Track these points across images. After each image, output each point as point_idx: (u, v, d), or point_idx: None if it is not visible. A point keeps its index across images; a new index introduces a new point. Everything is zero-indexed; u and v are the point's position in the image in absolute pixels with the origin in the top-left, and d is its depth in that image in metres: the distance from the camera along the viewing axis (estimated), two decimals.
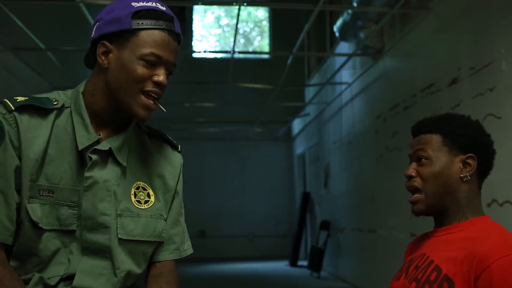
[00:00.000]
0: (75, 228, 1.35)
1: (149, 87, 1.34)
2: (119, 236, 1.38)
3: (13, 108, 1.33)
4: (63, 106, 1.38)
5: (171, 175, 1.49)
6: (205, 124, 12.30)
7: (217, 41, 14.03)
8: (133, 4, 1.34)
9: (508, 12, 3.80)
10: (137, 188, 1.43)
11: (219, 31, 14.07)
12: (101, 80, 1.37)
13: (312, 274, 9.23)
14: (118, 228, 1.38)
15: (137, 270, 1.42)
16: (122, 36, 1.33)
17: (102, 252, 1.36)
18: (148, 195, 1.44)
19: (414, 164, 1.48)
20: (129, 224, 1.39)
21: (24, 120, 1.33)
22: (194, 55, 13.17)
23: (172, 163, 1.51)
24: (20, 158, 1.31)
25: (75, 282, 1.33)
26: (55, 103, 1.37)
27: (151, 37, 1.33)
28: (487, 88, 4.03)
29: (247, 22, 13.95)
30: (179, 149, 1.54)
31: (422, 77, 5.32)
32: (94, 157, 1.36)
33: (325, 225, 9.23)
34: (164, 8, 1.36)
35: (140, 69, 1.33)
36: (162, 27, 1.34)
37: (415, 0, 5.49)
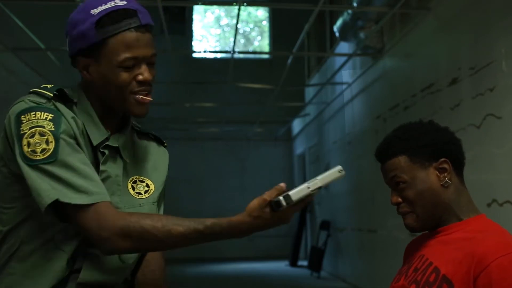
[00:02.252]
0: None
1: (136, 87, 1.34)
2: None
3: (51, 95, 1.33)
4: (75, 101, 1.39)
5: (163, 168, 1.53)
6: (205, 124, 12.30)
7: (217, 41, 14.03)
8: (92, 12, 1.31)
9: (508, 12, 3.80)
10: (134, 182, 1.45)
11: (219, 31, 14.08)
12: (92, 90, 1.38)
13: (312, 274, 9.23)
14: None
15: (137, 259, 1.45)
16: (93, 49, 1.32)
17: None
18: (147, 185, 1.47)
19: (394, 192, 1.47)
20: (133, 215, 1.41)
21: (61, 107, 1.33)
22: (194, 55, 13.18)
23: (161, 158, 1.54)
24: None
25: (82, 276, 1.33)
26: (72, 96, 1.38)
27: (120, 42, 1.31)
28: (487, 88, 4.03)
29: (247, 22, 13.95)
30: (165, 144, 1.58)
31: (422, 77, 5.32)
32: (106, 152, 1.38)
33: (325, 225, 9.23)
34: (124, 3, 1.33)
35: (121, 76, 1.32)
36: (127, 28, 1.31)
37: (415, 0, 5.49)
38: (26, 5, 6.05)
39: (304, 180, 11.93)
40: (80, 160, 1.28)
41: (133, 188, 1.44)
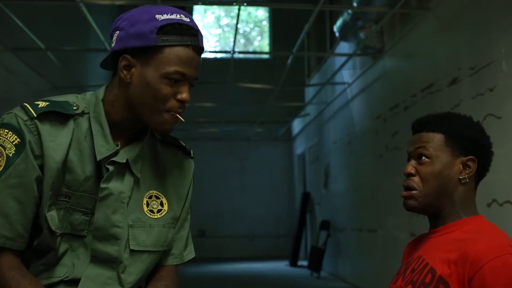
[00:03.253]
0: (85, 234, 1.34)
1: (174, 105, 1.32)
2: (131, 247, 1.36)
3: (35, 115, 1.29)
4: (83, 112, 1.35)
5: (184, 183, 1.48)
6: (205, 124, 12.30)
7: (217, 41, 14.04)
8: (157, 16, 1.29)
9: (508, 12, 3.80)
10: (150, 197, 1.41)
11: (219, 31, 14.08)
12: (122, 93, 1.34)
13: (312, 274, 9.23)
14: (130, 239, 1.36)
15: (144, 277, 1.42)
16: (146, 51, 1.29)
17: (110, 262, 1.35)
18: (161, 204, 1.42)
19: (413, 162, 1.46)
20: (141, 235, 1.38)
21: (46, 128, 1.30)
22: None
23: (185, 171, 1.49)
24: (41, 166, 1.29)
25: (80, 287, 1.32)
26: (75, 108, 1.34)
27: (176, 54, 1.29)
28: (487, 88, 4.03)
29: (247, 22, 13.95)
30: (192, 155, 1.52)
31: (422, 77, 5.32)
32: (110, 168, 1.34)
33: (325, 225, 9.23)
34: (188, 20, 1.31)
35: (165, 88, 1.30)
36: (187, 43, 1.30)
37: (415, 0, 5.49)
38: (26, 5, 6.05)
39: (304, 180, 11.95)
40: (15, 197, 1.29)
41: (147, 204, 1.40)
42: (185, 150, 1.50)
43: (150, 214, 1.40)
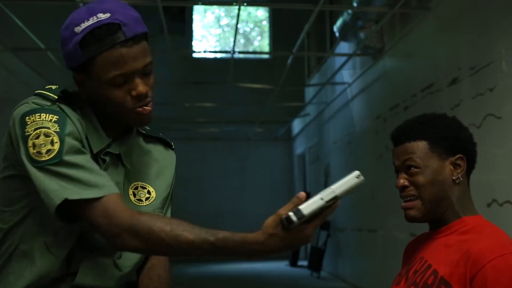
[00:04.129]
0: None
1: (134, 103, 1.31)
2: None
3: (56, 97, 1.30)
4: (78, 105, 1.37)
5: (168, 173, 1.51)
6: (205, 124, 12.30)
7: (217, 41, 14.04)
8: (76, 30, 1.26)
9: (508, 12, 3.80)
10: (136, 188, 1.43)
11: (219, 31, 14.08)
12: (92, 102, 1.36)
13: (312, 274, 9.23)
14: None
15: (140, 262, 1.44)
16: (83, 67, 1.29)
17: (107, 250, 1.36)
18: (149, 192, 1.45)
19: (404, 174, 1.45)
20: None
21: (67, 109, 1.31)
22: (194, 55, 13.18)
23: (168, 161, 1.52)
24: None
25: (78, 279, 1.33)
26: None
27: (106, 60, 1.26)
28: (487, 88, 4.03)
29: (247, 22, 13.95)
30: (173, 147, 1.56)
31: (422, 77, 5.32)
32: (107, 158, 1.36)
33: (325, 225, 9.23)
34: (107, 16, 1.26)
35: (116, 94, 1.29)
36: (110, 45, 1.25)
37: (415, 0, 5.49)
38: (26, 5, 6.05)
39: (304, 180, 11.95)
40: (85, 159, 1.27)
41: (134, 195, 1.42)
42: (166, 142, 1.54)
43: (139, 203, 1.42)
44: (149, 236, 1.20)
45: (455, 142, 1.43)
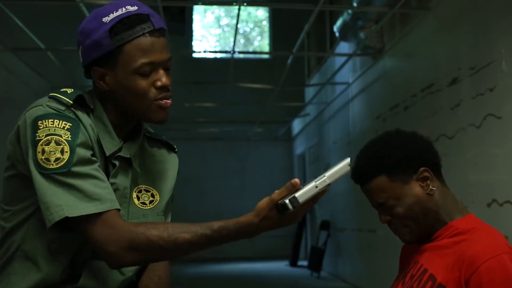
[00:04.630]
0: None
1: (157, 94, 1.32)
2: None
3: (71, 102, 1.29)
4: (92, 108, 1.36)
5: (171, 176, 1.51)
6: (205, 124, 12.30)
7: (217, 41, 14.03)
8: (104, 20, 1.29)
9: (508, 12, 3.80)
10: (139, 191, 1.43)
11: (219, 31, 14.08)
12: (108, 100, 1.35)
13: (312, 274, 9.23)
14: None
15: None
16: (109, 57, 1.29)
17: None
18: (153, 195, 1.45)
19: (382, 212, 1.45)
20: None
21: (80, 114, 1.30)
22: (194, 55, 13.18)
23: (171, 164, 1.53)
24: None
25: (81, 282, 1.33)
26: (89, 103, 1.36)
27: (136, 48, 1.29)
28: (487, 88, 4.03)
29: (247, 22, 13.95)
30: (176, 150, 1.56)
31: (422, 77, 5.32)
32: (117, 163, 1.36)
33: (325, 225, 9.23)
34: (135, 8, 1.30)
35: (140, 83, 1.30)
36: (141, 33, 1.29)
37: (415, 0, 5.48)
38: (26, 5, 6.05)
39: (304, 180, 11.94)
40: (93, 168, 1.27)
41: (138, 198, 1.42)
42: (170, 145, 1.54)
43: (143, 206, 1.42)
44: (148, 247, 1.22)
45: (409, 160, 1.41)
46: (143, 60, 1.29)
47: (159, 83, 1.31)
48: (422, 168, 1.41)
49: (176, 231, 1.22)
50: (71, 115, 1.28)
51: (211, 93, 11.53)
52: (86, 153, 1.27)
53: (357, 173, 1.47)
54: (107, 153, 1.34)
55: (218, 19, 14.07)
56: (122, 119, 1.37)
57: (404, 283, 1.45)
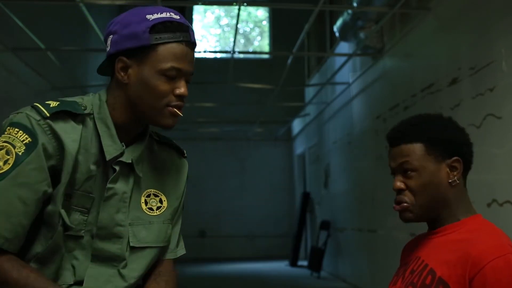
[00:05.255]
0: (83, 235, 1.35)
1: (173, 101, 1.34)
2: (131, 244, 1.38)
3: (48, 115, 1.30)
4: (89, 112, 1.36)
5: (180, 181, 1.52)
6: (205, 124, 12.30)
7: (217, 41, 14.04)
8: (148, 17, 1.32)
9: (508, 12, 3.80)
10: (148, 196, 1.43)
11: (219, 31, 14.08)
12: (122, 94, 1.36)
13: (312, 274, 9.23)
14: (130, 236, 1.38)
15: (145, 272, 1.43)
16: (141, 51, 1.32)
17: (112, 260, 1.36)
18: (161, 201, 1.45)
19: (400, 177, 1.44)
20: (141, 231, 1.40)
21: (60, 126, 1.30)
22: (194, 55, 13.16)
23: (180, 169, 1.53)
24: (53, 167, 1.30)
25: (85, 286, 1.33)
26: (84, 108, 1.36)
27: (170, 51, 1.32)
28: (487, 88, 4.03)
29: (247, 22, 13.95)
30: (185, 154, 1.56)
31: (422, 77, 5.32)
32: (117, 168, 1.37)
33: (325, 225, 9.23)
34: (178, 17, 1.35)
35: (162, 85, 1.32)
36: (180, 39, 1.33)
37: (415, 0, 5.49)
38: (26, 5, 6.05)
39: (304, 180, 11.95)
40: (20, 197, 1.27)
41: (146, 203, 1.42)
42: (179, 150, 1.54)
43: (150, 212, 1.43)
44: (2, 285, 1.25)
45: (452, 144, 1.43)
46: (173, 64, 1.32)
47: (178, 91, 1.34)
48: (456, 157, 1.42)
49: (33, 284, 1.24)
50: (43, 126, 1.29)
51: (211, 93, 11.53)
52: (28, 175, 1.27)
53: (397, 134, 1.46)
54: (108, 158, 1.35)
55: (218, 19, 14.07)
56: (129, 120, 1.38)
57: (404, 278, 1.45)
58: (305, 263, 10.35)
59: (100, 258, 1.36)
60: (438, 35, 5.03)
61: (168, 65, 1.31)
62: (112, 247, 1.36)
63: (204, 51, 13.85)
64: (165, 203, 1.45)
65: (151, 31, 1.31)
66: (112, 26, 1.35)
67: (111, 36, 1.34)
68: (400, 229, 5.70)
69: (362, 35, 6.35)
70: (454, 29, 4.68)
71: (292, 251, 10.78)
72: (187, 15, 12.70)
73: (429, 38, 5.20)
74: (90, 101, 1.38)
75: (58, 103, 1.33)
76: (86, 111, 1.35)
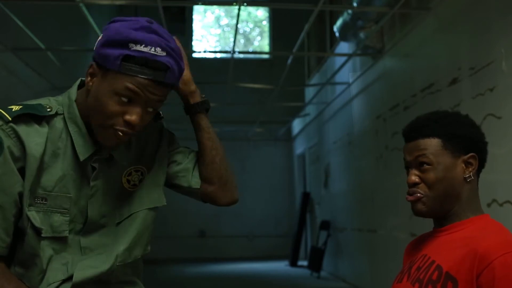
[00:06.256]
0: (67, 235, 1.36)
1: (119, 125, 1.30)
2: (117, 221, 1.42)
3: (10, 119, 1.30)
4: (56, 113, 1.36)
5: (153, 143, 1.51)
6: None
7: (217, 41, 14.03)
8: (130, 45, 1.26)
9: (508, 12, 3.80)
10: (129, 174, 1.44)
11: (219, 31, 14.08)
12: (86, 98, 1.35)
13: (312, 274, 9.23)
14: (116, 217, 1.42)
15: (138, 240, 1.44)
16: (109, 68, 1.29)
17: (101, 248, 1.40)
18: (142, 174, 1.46)
19: (415, 170, 1.45)
20: (124, 208, 1.43)
21: (22, 129, 1.30)
22: (194, 55, 13.17)
23: (153, 132, 1.52)
24: (22, 168, 1.30)
25: (75, 278, 1.35)
26: (49, 110, 1.35)
27: (134, 78, 1.27)
28: (487, 88, 4.03)
29: (247, 22, 13.95)
30: (161, 116, 1.55)
31: (422, 77, 5.32)
32: (96, 166, 1.38)
33: (325, 225, 9.23)
34: (162, 54, 1.28)
35: (112, 105, 1.28)
36: (149, 77, 1.27)
37: (415, 0, 5.49)
38: (26, 5, 6.05)
39: (304, 180, 11.96)
40: None
41: (128, 182, 1.44)
42: (156, 115, 1.53)
43: (132, 188, 1.45)
44: None
45: (468, 140, 1.44)
46: (129, 85, 1.27)
47: (127, 117, 1.29)
48: (472, 154, 1.43)
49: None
50: (7, 131, 1.29)
51: (211, 93, 11.48)
52: (1, 181, 1.28)
53: (414, 128, 1.47)
54: (81, 159, 1.35)
55: (218, 19, 14.07)
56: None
57: (410, 275, 1.45)
58: (305, 263, 10.35)
59: (89, 249, 1.39)
60: (438, 35, 5.04)
61: (123, 85, 1.26)
62: (100, 240, 1.39)
63: (204, 51, 13.86)
64: (145, 173, 1.47)
65: (124, 59, 1.26)
66: (104, 30, 1.33)
67: (99, 38, 1.33)
68: (400, 229, 5.70)
69: (362, 35, 6.35)
70: (454, 29, 4.68)
71: (292, 251, 10.78)
72: (187, 15, 12.70)
73: (429, 38, 5.20)
74: (59, 102, 1.38)
75: (20, 106, 1.33)
76: (51, 112, 1.34)
